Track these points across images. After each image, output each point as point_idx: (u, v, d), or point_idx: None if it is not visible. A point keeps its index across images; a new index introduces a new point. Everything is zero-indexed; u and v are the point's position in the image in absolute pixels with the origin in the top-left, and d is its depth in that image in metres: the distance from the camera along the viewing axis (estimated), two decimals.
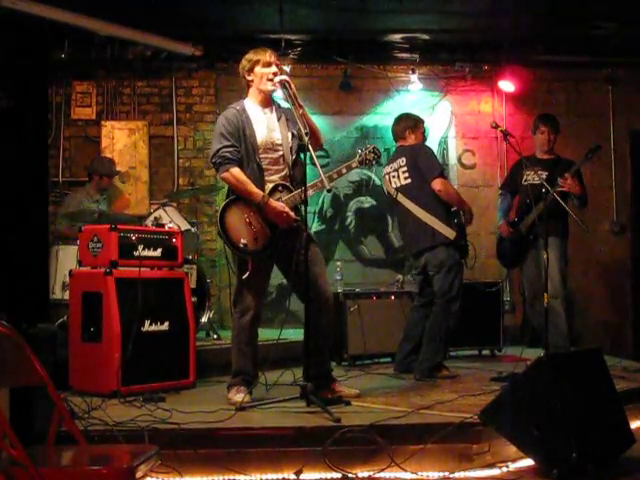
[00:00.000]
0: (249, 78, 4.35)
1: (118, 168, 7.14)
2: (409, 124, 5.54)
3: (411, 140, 5.49)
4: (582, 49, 7.81)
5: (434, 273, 5.28)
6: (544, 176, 5.52)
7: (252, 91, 4.39)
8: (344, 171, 4.47)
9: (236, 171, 4.21)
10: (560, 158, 5.84)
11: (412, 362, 5.38)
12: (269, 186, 4.27)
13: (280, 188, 4.30)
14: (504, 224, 5.87)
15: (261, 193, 4.21)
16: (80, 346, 4.66)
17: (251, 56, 4.34)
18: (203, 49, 7.43)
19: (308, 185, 4.19)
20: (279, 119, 4.40)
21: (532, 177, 5.61)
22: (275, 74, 4.26)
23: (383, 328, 6.11)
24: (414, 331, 5.46)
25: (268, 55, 4.30)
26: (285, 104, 4.45)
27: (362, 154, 4.48)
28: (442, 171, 5.34)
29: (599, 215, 7.89)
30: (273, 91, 4.34)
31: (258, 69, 4.30)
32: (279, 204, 4.22)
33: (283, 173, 4.35)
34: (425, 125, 5.67)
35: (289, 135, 4.36)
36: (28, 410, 3.22)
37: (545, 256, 5.00)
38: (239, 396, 4.15)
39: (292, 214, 4.21)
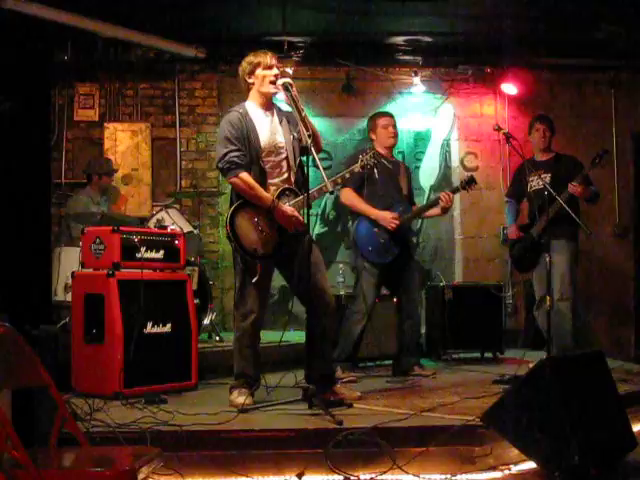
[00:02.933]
0: (250, 81, 4.34)
1: (120, 170, 7.13)
2: (369, 124, 5.57)
3: (374, 138, 5.49)
4: (585, 52, 7.79)
5: None
6: (547, 179, 5.51)
7: (253, 94, 4.37)
8: (347, 176, 4.56)
9: (245, 176, 4.19)
10: (560, 156, 5.80)
11: (409, 363, 5.47)
12: (272, 189, 4.27)
13: (287, 192, 4.30)
14: (513, 227, 5.85)
15: (270, 197, 4.21)
16: (82, 348, 4.66)
17: (251, 59, 4.33)
18: (206, 51, 7.43)
19: (314, 189, 4.23)
20: (281, 122, 4.40)
21: (536, 182, 5.58)
22: (277, 76, 4.26)
23: (385, 330, 6.09)
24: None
25: (269, 58, 4.30)
26: (286, 107, 4.46)
27: (363, 158, 4.50)
28: (353, 180, 5.10)
29: (602, 218, 7.88)
30: (275, 94, 4.33)
31: (259, 71, 4.30)
32: (289, 208, 4.22)
33: (285, 176, 4.35)
34: (386, 120, 5.48)
35: (291, 138, 4.36)
36: (30, 412, 3.23)
37: (551, 259, 5.03)
38: (241, 398, 4.14)
39: (301, 218, 4.21)
